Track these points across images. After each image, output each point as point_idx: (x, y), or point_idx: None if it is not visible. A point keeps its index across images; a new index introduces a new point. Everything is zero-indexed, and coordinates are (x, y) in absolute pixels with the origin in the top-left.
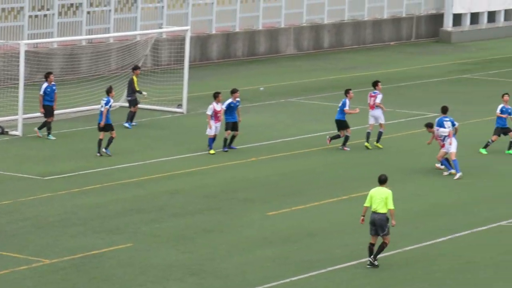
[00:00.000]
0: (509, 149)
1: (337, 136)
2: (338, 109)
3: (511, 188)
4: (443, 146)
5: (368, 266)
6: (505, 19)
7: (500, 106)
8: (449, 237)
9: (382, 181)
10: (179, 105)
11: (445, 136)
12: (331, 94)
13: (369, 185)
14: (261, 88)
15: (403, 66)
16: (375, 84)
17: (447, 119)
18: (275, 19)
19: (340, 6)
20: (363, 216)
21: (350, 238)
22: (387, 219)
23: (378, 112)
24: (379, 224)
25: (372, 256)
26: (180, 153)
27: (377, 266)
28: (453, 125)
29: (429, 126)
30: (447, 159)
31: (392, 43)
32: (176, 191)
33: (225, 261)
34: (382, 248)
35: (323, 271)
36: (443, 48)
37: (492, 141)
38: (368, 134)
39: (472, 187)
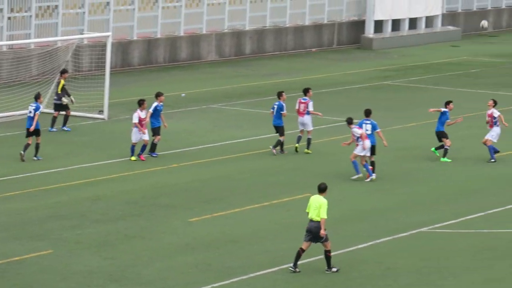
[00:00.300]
0: (444, 156)
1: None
2: (275, 113)
3: (431, 195)
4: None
5: (291, 269)
6: (426, 26)
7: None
8: (370, 243)
9: (321, 189)
10: (100, 111)
11: (358, 137)
12: (253, 101)
13: (291, 191)
14: (183, 95)
15: (325, 72)
16: (306, 91)
17: (368, 121)
18: (197, 25)
19: (262, 12)
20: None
21: (272, 245)
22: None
23: (307, 119)
24: (315, 232)
25: (327, 266)
26: (102, 159)
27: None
28: (374, 129)
29: (349, 122)
30: (371, 163)
31: (314, 49)
32: (97, 197)
33: (147, 268)
34: (327, 256)
35: (244, 277)
36: (365, 54)
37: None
38: (299, 138)
39: (393, 193)
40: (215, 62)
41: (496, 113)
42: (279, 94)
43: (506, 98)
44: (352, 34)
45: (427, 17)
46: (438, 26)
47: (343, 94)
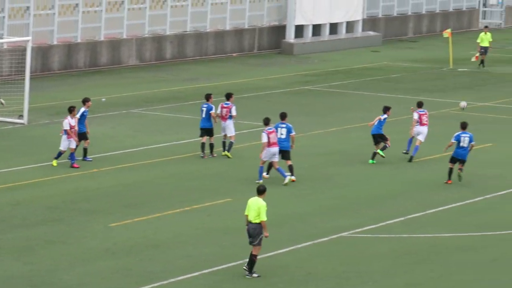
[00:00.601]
0: (372, 158)
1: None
2: (204, 116)
3: (352, 199)
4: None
5: (244, 268)
6: (347, 31)
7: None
8: (290, 248)
9: (260, 191)
10: (20, 116)
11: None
12: (174, 105)
13: (212, 196)
14: (103, 99)
15: (246, 77)
16: (228, 95)
17: (283, 125)
18: (117, 30)
19: (182, 17)
20: (247, 224)
21: (193, 249)
22: (260, 229)
23: (229, 124)
24: (253, 235)
25: (248, 271)
26: (22, 164)
27: (250, 275)
28: (289, 132)
29: (265, 123)
30: (288, 166)
31: (234, 54)
32: (18, 203)
33: (67, 273)
34: (252, 260)
35: (165, 282)
36: (285, 59)
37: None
38: (224, 144)
39: (313, 198)
40: (136, 67)
41: (415, 115)
42: (208, 97)
43: (427, 103)
44: (273, 39)
45: (347, 22)
46: (359, 31)
47: (264, 99)
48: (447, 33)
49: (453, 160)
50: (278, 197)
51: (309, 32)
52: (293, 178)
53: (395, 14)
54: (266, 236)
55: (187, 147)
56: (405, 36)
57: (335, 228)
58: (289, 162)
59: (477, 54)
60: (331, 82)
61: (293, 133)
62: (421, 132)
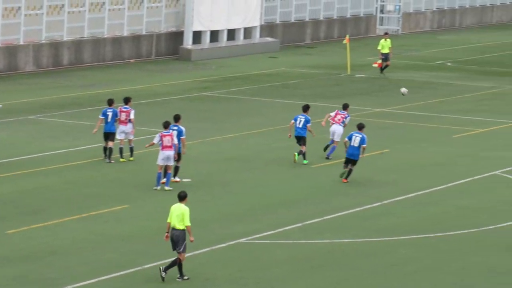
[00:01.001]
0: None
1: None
2: (110, 120)
3: (250, 205)
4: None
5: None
6: (245, 37)
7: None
8: (189, 254)
9: (181, 197)
10: None
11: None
12: (71, 112)
13: (109, 202)
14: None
15: (144, 83)
16: (127, 100)
17: (175, 127)
18: (14, 35)
19: (80, 23)
20: (167, 232)
21: (91, 256)
22: (184, 236)
23: (129, 128)
24: (176, 241)
25: (164, 267)
26: None
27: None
28: (179, 135)
29: (165, 126)
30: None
31: (132, 60)
32: None
33: None
34: (174, 263)
35: None
36: (183, 65)
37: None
38: (121, 149)
39: (212, 204)
40: (33, 73)
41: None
42: (110, 102)
43: (324, 108)
44: (171, 45)
45: (245, 29)
46: (257, 37)
47: (162, 105)
48: (346, 39)
49: (347, 161)
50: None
51: (207, 38)
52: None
53: (292, 20)
54: (191, 241)
55: (84, 154)
56: (303, 42)
57: (233, 234)
58: (179, 163)
59: (379, 61)
60: (229, 88)
61: (183, 137)
62: (335, 131)
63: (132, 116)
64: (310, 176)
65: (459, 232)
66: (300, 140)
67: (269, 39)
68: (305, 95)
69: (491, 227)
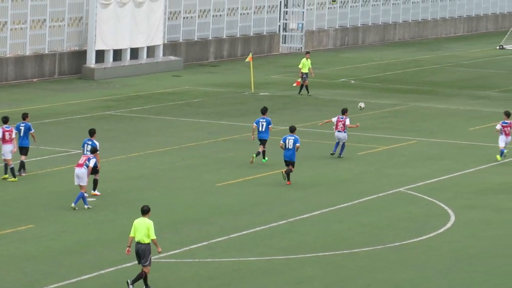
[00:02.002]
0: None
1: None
2: (22, 134)
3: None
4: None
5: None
6: (148, 56)
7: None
8: (94, 274)
9: (144, 211)
10: None
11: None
12: None
13: (13, 222)
14: None
15: (47, 103)
16: (25, 116)
17: (89, 142)
18: None
19: None
20: (129, 246)
21: None
22: (150, 249)
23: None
24: (141, 254)
25: (131, 282)
26: None
27: None
28: (92, 151)
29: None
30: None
31: (35, 79)
32: None
33: None
34: (140, 276)
35: None
36: (87, 85)
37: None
38: (12, 169)
39: (117, 223)
40: None
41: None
42: (24, 116)
43: (228, 127)
44: (74, 64)
45: (148, 47)
46: (160, 56)
47: (65, 125)
48: (249, 58)
49: (286, 163)
50: (81, 223)
51: (110, 57)
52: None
53: (196, 39)
54: (159, 252)
55: None
56: (206, 61)
57: None
58: (96, 176)
59: (299, 80)
60: (133, 107)
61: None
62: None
63: (13, 135)
64: (215, 194)
65: (365, 249)
66: (262, 142)
67: (173, 57)
68: (209, 113)
69: (396, 244)
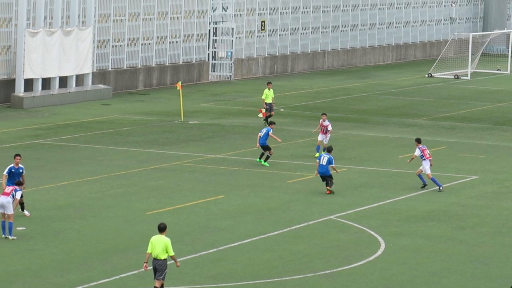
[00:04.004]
0: (260, 158)
1: None
2: None
3: (83, 253)
4: None
5: None
6: (77, 84)
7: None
8: None
9: (161, 229)
10: None
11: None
12: None
13: None
14: None
15: None
16: None
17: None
18: None
19: None
20: (146, 262)
21: None
22: (166, 264)
23: None
24: (159, 269)
25: None
26: None
27: None
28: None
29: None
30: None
31: None
32: None
33: None
34: None
35: None
36: (15, 113)
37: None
38: None
39: (46, 252)
40: None
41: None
42: None
43: (158, 156)
44: (2, 93)
45: (77, 76)
46: (89, 84)
47: None
48: (178, 86)
49: (322, 178)
50: (9, 253)
51: (38, 85)
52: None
53: (125, 67)
54: (178, 266)
55: None
56: (136, 89)
57: (68, 282)
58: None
59: (263, 111)
60: (62, 136)
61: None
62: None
63: None
64: (145, 223)
65: (295, 277)
66: (266, 147)
67: (102, 86)
68: (138, 142)
69: (327, 271)
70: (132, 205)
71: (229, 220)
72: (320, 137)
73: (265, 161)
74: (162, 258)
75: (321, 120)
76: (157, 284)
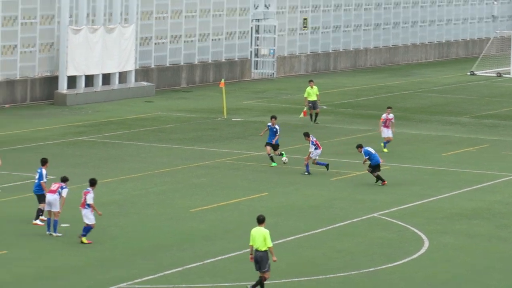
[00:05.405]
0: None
1: None
2: None
3: (127, 250)
4: None
5: None
6: (120, 82)
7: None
8: None
9: (260, 221)
10: None
11: None
12: None
13: None
14: None
15: (17, 129)
16: None
17: (39, 170)
18: None
19: None
20: (251, 254)
21: None
22: (267, 256)
23: None
24: (260, 261)
25: (252, 285)
26: None
27: None
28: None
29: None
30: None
31: (7, 105)
32: None
33: None
34: (260, 282)
35: None
36: (58, 110)
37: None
38: None
39: (89, 249)
40: None
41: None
42: None
43: (202, 152)
44: (46, 90)
45: (120, 73)
46: (132, 81)
47: (35, 151)
48: (221, 84)
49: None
50: (53, 249)
51: (81, 82)
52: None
53: (167, 65)
54: (274, 260)
55: None
56: (178, 86)
57: (112, 279)
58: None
59: (305, 109)
60: (105, 133)
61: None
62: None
63: None
64: (189, 220)
65: (339, 274)
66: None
67: (144, 83)
68: (181, 139)
69: (371, 269)
70: (176, 203)
71: (272, 218)
72: (385, 133)
73: (273, 160)
74: (263, 250)
75: (385, 114)
76: (266, 276)
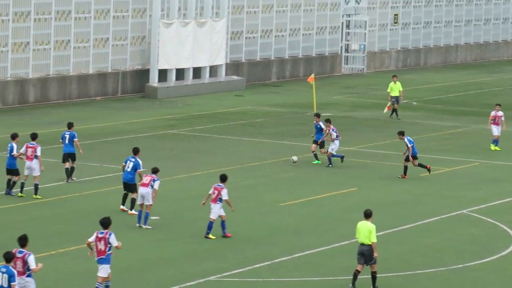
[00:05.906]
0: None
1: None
2: (68, 142)
3: (216, 243)
4: None
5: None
6: (210, 76)
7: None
8: None
9: (367, 215)
10: None
11: None
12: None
13: (76, 240)
14: None
15: (109, 121)
16: (34, 136)
17: (133, 159)
18: None
19: (45, 61)
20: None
21: None
22: (372, 250)
23: (34, 164)
24: (367, 255)
25: (372, 286)
26: None
27: None
28: (137, 168)
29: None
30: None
31: (98, 98)
32: None
33: None
34: (374, 276)
35: None
36: (149, 103)
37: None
38: (22, 185)
39: (179, 242)
40: None
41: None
42: (70, 125)
43: (291, 147)
44: (137, 83)
45: (211, 67)
46: (222, 75)
47: (128, 143)
48: (311, 79)
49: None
50: (142, 241)
51: (172, 76)
52: (132, 212)
53: (258, 59)
54: (375, 257)
55: (46, 192)
56: (269, 81)
57: (202, 272)
58: (133, 195)
59: (389, 104)
60: (195, 126)
61: (140, 170)
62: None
63: (38, 153)
64: (277, 214)
65: (427, 271)
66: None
67: (235, 77)
68: (271, 133)
69: (459, 266)
70: (264, 197)
71: (361, 213)
72: (495, 131)
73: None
74: (368, 243)
75: (494, 111)
76: (374, 268)
